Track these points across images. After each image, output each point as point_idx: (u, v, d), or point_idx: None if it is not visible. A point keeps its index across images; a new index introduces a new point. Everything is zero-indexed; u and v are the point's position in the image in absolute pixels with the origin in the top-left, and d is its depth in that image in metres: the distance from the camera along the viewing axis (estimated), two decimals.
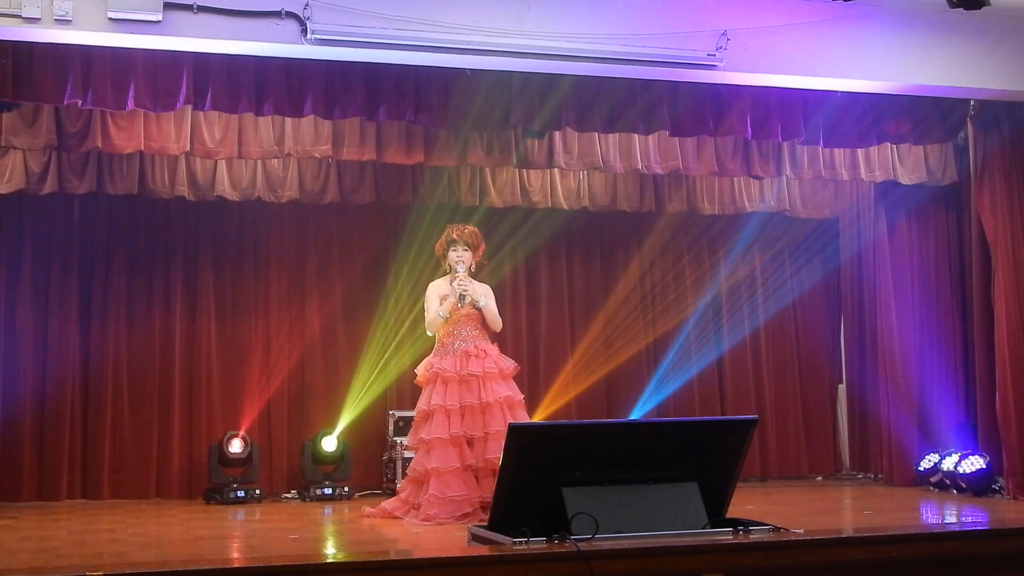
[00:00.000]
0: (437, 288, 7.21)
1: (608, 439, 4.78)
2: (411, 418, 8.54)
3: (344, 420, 8.71)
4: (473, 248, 7.21)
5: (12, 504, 7.98)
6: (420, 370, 7.24)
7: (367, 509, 7.34)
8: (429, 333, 7.28)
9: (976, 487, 8.07)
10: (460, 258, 7.15)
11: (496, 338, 7.54)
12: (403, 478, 8.05)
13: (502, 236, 9.08)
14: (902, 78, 7.54)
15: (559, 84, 7.34)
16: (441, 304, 7.08)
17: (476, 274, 7.30)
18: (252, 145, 7.77)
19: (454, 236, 7.21)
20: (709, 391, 9.56)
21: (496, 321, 7.28)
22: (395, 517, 6.98)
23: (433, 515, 6.68)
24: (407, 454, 8.29)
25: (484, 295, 7.21)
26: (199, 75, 6.81)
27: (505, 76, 7.23)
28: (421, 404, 7.12)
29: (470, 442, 6.91)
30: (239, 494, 8.05)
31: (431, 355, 7.22)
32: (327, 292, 9.00)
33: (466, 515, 6.66)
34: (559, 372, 9.30)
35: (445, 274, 7.31)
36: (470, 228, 7.34)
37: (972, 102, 8.13)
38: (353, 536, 6.75)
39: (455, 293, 7.04)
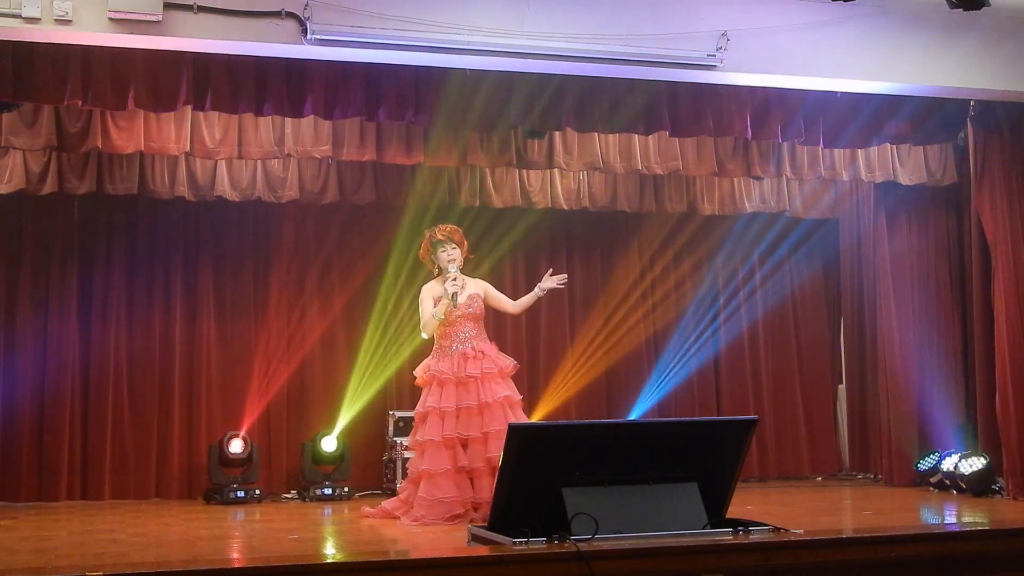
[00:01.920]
0: (431, 290, 7.15)
1: (608, 439, 4.78)
2: (411, 418, 8.57)
3: (344, 420, 8.72)
4: (460, 244, 7.16)
5: (12, 504, 7.99)
6: (418, 372, 7.21)
7: (366, 509, 7.34)
8: (424, 335, 7.26)
9: (976, 487, 8.06)
10: (451, 257, 7.08)
11: (495, 337, 7.54)
12: (403, 478, 8.05)
13: (502, 236, 9.08)
14: (902, 78, 7.54)
15: (559, 84, 7.34)
16: (435, 305, 7.03)
17: (463, 270, 7.21)
18: (252, 145, 7.77)
19: (439, 236, 7.14)
20: (708, 391, 9.57)
21: (511, 304, 7.28)
22: (394, 517, 6.98)
23: (421, 516, 6.68)
24: (407, 454, 8.29)
25: (483, 291, 7.19)
26: (199, 75, 6.80)
27: (505, 76, 7.23)
28: (418, 406, 7.10)
29: (464, 444, 6.86)
30: (239, 494, 8.06)
31: (429, 357, 7.17)
32: (327, 292, 9.00)
33: (456, 516, 6.64)
34: (559, 372, 9.31)
35: (434, 276, 7.24)
36: (451, 226, 7.29)
37: (972, 102, 8.13)
38: (353, 536, 6.75)
39: (448, 294, 6.97)
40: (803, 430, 9.73)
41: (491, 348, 7.13)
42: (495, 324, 8.38)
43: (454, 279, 7.00)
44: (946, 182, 8.83)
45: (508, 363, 7.11)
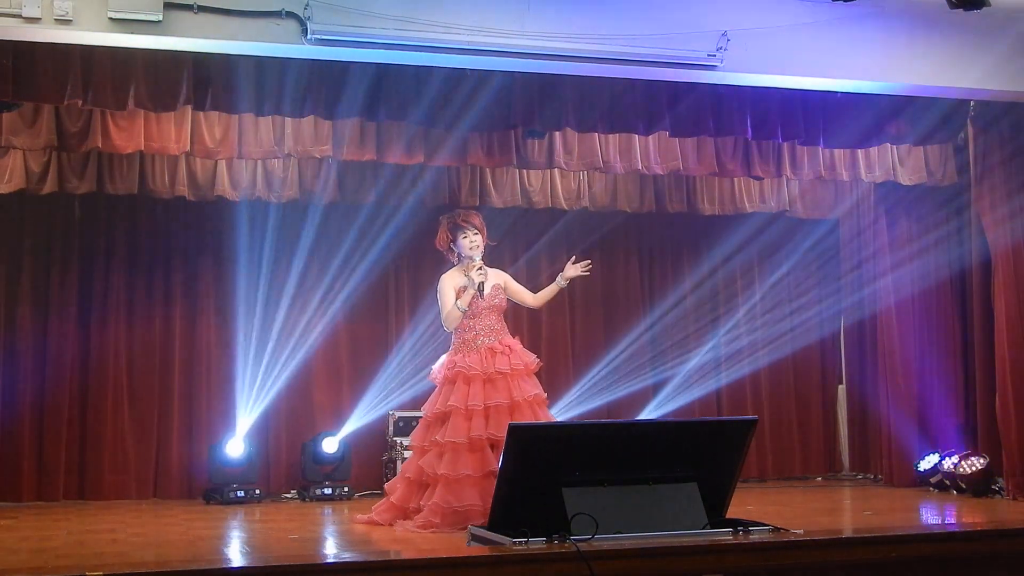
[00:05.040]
0: (451, 280, 6.73)
1: (608, 439, 4.79)
2: (411, 418, 8.55)
3: (344, 420, 8.71)
4: (481, 230, 6.79)
5: (12, 504, 7.98)
6: (437, 368, 6.77)
7: (359, 516, 7.00)
8: (447, 329, 6.80)
9: (976, 487, 8.07)
10: (474, 243, 6.69)
11: (516, 331, 7.34)
12: None
13: (502, 236, 9.07)
14: (902, 78, 7.54)
15: (559, 84, 7.34)
16: (458, 297, 6.62)
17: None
18: (252, 145, 7.76)
19: (459, 222, 6.76)
20: (708, 392, 9.56)
21: (531, 297, 6.93)
22: (387, 525, 6.58)
23: (436, 523, 6.24)
24: (407, 454, 8.29)
25: (503, 282, 6.84)
26: (199, 75, 6.80)
27: (505, 76, 7.23)
28: (436, 404, 6.58)
29: (493, 444, 6.31)
30: (239, 494, 8.05)
31: (450, 352, 6.70)
32: (327, 292, 8.99)
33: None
34: (559, 372, 9.30)
35: (454, 266, 6.87)
36: (472, 211, 7.03)
37: (972, 102, 8.13)
38: (353, 536, 6.74)
39: (474, 284, 6.56)
40: (803, 430, 9.73)
41: (516, 343, 6.75)
42: None
43: (479, 268, 6.63)
44: (946, 182, 8.83)
45: (532, 360, 6.69)
